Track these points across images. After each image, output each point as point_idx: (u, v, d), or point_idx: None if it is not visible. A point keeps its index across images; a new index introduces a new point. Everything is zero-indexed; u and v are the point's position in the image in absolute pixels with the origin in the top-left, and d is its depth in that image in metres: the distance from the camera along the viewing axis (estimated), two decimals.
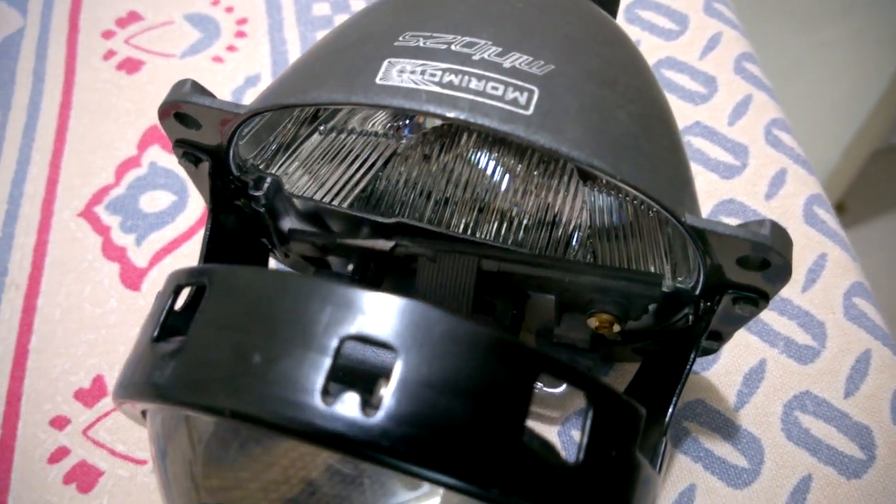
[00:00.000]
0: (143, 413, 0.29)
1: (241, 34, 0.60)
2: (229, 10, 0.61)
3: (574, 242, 0.41)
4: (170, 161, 0.53)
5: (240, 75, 0.57)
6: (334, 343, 0.21)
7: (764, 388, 0.43)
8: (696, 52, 0.56)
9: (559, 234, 0.41)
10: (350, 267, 0.42)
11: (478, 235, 0.41)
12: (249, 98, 0.56)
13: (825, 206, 0.49)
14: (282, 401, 0.21)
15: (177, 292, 0.26)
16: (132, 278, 0.48)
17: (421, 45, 0.28)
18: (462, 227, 0.42)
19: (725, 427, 0.41)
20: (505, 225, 0.41)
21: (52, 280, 0.48)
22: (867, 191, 1.31)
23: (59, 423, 0.43)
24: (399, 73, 0.27)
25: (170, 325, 0.26)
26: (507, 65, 0.28)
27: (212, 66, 0.58)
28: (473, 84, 0.27)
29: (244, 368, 0.21)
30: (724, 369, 0.43)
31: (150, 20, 0.61)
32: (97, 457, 0.42)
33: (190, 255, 0.49)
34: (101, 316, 0.47)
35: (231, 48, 0.59)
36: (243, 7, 0.61)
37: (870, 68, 1.12)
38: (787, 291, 0.45)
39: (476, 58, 0.28)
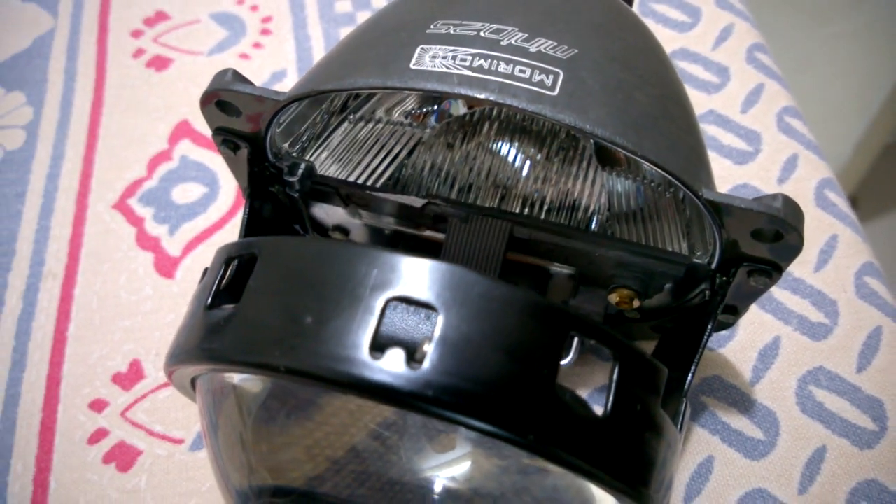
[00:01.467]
0: (192, 383, 0.30)
1: (266, 32, 0.62)
2: (254, 8, 0.63)
3: (593, 225, 0.42)
4: (200, 155, 0.55)
5: (266, 72, 0.59)
6: (380, 303, 0.23)
7: (779, 363, 0.44)
8: (709, 44, 0.58)
9: (579, 217, 0.42)
10: None
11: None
12: None
13: (836, 189, 0.51)
14: (333, 357, 0.22)
15: (227, 263, 0.28)
16: (166, 267, 0.50)
17: (452, 32, 0.30)
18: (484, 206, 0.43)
19: (742, 401, 0.43)
20: (527, 210, 0.43)
21: (88, 270, 0.50)
22: (879, 186, 1.31)
23: (98, 405, 0.45)
24: (432, 59, 0.29)
25: (220, 295, 0.27)
26: (533, 49, 0.29)
27: (238, 63, 0.60)
28: (502, 68, 0.29)
29: (297, 329, 0.23)
30: (739, 346, 0.45)
31: (178, 19, 0.63)
32: (135, 437, 0.44)
33: (221, 244, 0.50)
34: (137, 303, 0.48)
35: (257, 45, 0.61)
36: (268, 5, 0.63)
37: (881, 63, 1.13)
38: (799, 271, 0.47)
39: (504, 43, 0.29)
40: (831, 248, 0.48)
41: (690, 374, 0.32)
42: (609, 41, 0.31)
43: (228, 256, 0.28)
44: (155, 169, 0.54)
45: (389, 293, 0.23)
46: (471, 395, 0.22)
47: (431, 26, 0.30)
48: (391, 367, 0.22)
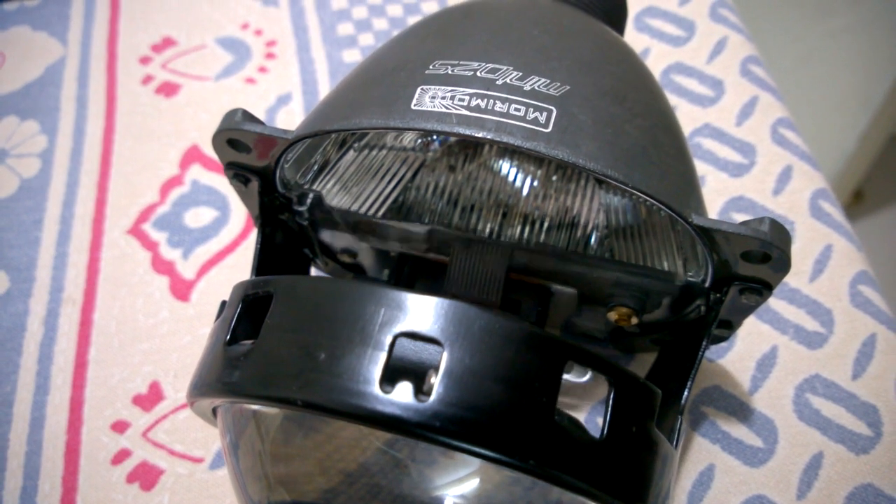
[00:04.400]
0: (214, 411, 0.32)
1: (270, 55, 0.63)
2: (258, 32, 0.65)
3: (593, 242, 0.44)
4: (210, 179, 0.56)
5: (272, 95, 0.61)
6: (389, 339, 0.25)
7: (776, 372, 0.45)
8: (704, 57, 0.59)
9: (578, 234, 0.43)
10: (385, 272, 0.45)
11: (503, 239, 0.44)
12: (282, 116, 0.59)
13: (830, 199, 0.52)
14: (346, 391, 0.24)
15: (245, 301, 0.29)
16: (181, 290, 0.51)
17: (449, 72, 0.31)
18: (488, 231, 0.44)
19: (741, 410, 0.44)
20: (528, 228, 0.44)
21: (106, 294, 0.51)
22: (885, 177, 1.32)
23: (120, 427, 0.46)
24: (431, 99, 0.31)
25: (238, 331, 0.29)
26: (527, 87, 0.31)
27: (245, 88, 0.61)
28: (498, 107, 0.30)
29: (312, 365, 0.25)
30: (737, 356, 0.46)
31: (184, 45, 0.65)
32: (157, 457, 0.45)
33: (234, 266, 0.52)
34: (154, 326, 0.50)
35: (262, 69, 0.62)
36: (271, 30, 0.65)
37: (883, 54, 1.13)
38: (795, 281, 0.48)
39: (499, 82, 0.31)
40: (826, 258, 0.49)
41: (686, 390, 0.34)
42: (599, 76, 0.33)
43: (246, 294, 0.29)
44: (167, 194, 0.56)
45: (397, 329, 0.25)
46: (475, 424, 0.24)
47: (430, 66, 0.32)
48: (401, 399, 0.24)
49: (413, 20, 0.65)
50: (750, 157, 0.54)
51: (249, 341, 0.27)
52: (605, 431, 0.26)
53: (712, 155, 0.54)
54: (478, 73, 0.31)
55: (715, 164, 0.53)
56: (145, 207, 0.55)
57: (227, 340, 0.28)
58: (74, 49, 0.65)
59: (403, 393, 0.24)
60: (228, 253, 0.53)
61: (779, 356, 0.46)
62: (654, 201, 0.30)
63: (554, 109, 0.30)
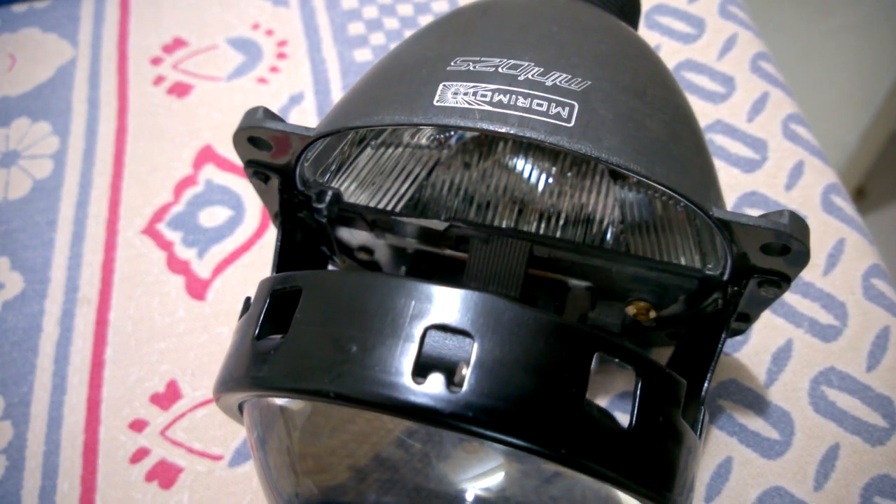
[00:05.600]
0: (240, 407, 0.32)
1: (282, 55, 0.63)
2: (269, 32, 0.65)
3: (609, 237, 0.44)
4: (224, 178, 0.57)
5: (284, 95, 0.61)
6: (419, 332, 0.25)
7: (791, 365, 0.46)
8: (714, 54, 0.60)
9: (594, 230, 0.44)
10: (402, 269, 0.45)
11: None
12: (295, 116, 0.60)
13: (842, 194, 0.52)
14: (379, 382, 0.24)
15: (273, 296, 0.30)
16: (197, 289, 0.52)
17: (471, 68, 0.32)
18: (504, 227, 0.45)
19: (757, 403, 0.45)
20: (544, 224, 0.44)
21: (121, 294, 0.52)
22: (887, 174, 1.32)
23: (138, 426, 0.47)
24: (454, 95, 0.31)
25: (266, 326, 0.29)
26: (548, 83, 0.31)
27: (257, 88, 0.62)
28: (521, 102, 0.30)
29: (344, 357, 0.25)
30: (753, 350, 0.46)
31: (195, 45, 0.65)
32: (176, 455, 0.45)
33: (249, 265, 0.52)
34: (171, 325, 0.50)
35: (274, 69, 0.63)
36: (282, 30, 0.65)
37: (885, 52, 1.14)
38: (808, 275, 0.49)
39: (521, 78, 0.31)
40: (839, 252, 0.49)
41: (707, 382, 0.34)
42: (619, 71, 0.33)
43: (273, 289, 0.30)
44: (181, 194, 0.56)
45: (428, 322, 0.25)
46: (507, 414, 0.24)
47: (452, 63, 0.32)
48: (433, 390, 0.24)
49: (423, 19, 0.65)
50: (762, 152, 0.54)
51: (278, 336, 0.28)
52: (634, 421, 0.26)
53: (724, 151, 0.54)
54: (499, 70, 0.31)
55: (727, 159, 0.54)
56: (159, 207, 0.56)
57: (256, 335, 0.29)
58: (85, 50, 0.65)
59: (435, 384, 0.24)
60: (244, 252, 0.53)
61: (794, 349, 0.46)
62: (676, 195, 0.30)
63: (576, 104, 0.30)
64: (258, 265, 0.52)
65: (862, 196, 1.36)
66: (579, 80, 0.31)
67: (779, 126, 0.55)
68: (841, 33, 1.15)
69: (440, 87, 0.31)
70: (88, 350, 0.50)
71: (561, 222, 0.44)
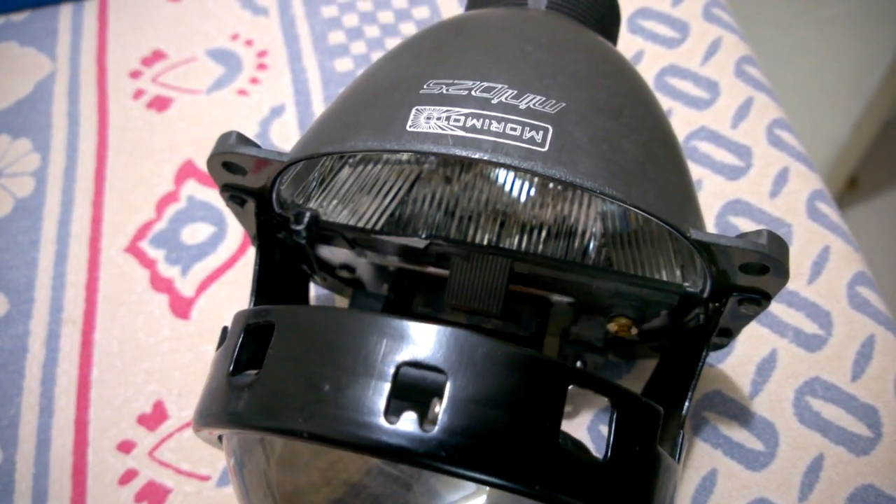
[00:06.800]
0: (220, 438, 0.32)
1: (262, 66, 0.63)
2: (249, 43, 0.64)
3: (591, 251, 0.44)
4: (206, 194, 0.56)
5: (265, 107, 0.60)
6: (392, 370, 0.25)
7: (776, 376, 0.46)
8: (698, 59, 0.59)
9: (576, 244, 0.44)
10: (384, 287, 0.45)
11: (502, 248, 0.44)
12: (276, 128, 0.59)
13: (827, 200, 0.52)
14: (352, 422, 0.24)
15: (247, 331, 0.29)
16: (181, 307, 0.51)
17: (444, 91, 0.31)
18: (486, 241, 0.45)
19: (742, 414, 0.44)
20: (526, 237, 0.44)
21: (105, 314, 0.51)
22: (879, 164, 1.32)
23: (126, 447, 0.46)
24: (427, 120, 0.31)
25: (241, 362, 0.29)
26: (522, 106, 0.31)
27: (237, 100, 0.61)
28: (494, 126, 0.30)
29: (316, 396, 0.25)
30: (737, 360, 0.46)
31: (174, 58, 0.64)
32: (164, 476, 0.45)
33: (233, 283, 0.52)
34: (155, 345, 0.50)
35: (254, 80, 0.62)
36: (262, 40, 0.64)
37: (875, 42, 1.14)
38: (793, 284, 0.48)
39: (495, 101, 0.31)
40: (823, 260, 0.49)
41: (687, 402, 0.34)
42: (594, 91, 0.33)
43: (247, 324, 0.29)
44: (163, 210, 0.56)
45: (400, 359, 0.25)
46: (480, 452, 0.24)
47: (425, 86, 0.32)
48: (406, 429, 0.24)
49: (404, 27, 0.65)
50: (746, 159, 0.54)
51: (253, 371, 0.27)
52: (609, 453, 0.26)
53: (708, 158, 0.54)
54: (472, 93, 0.31)
55: (711, 167, 0.54)
56: (142, 225, 0.55)
57: (231, 371, 0.28)
58: (63, 64, 0.64)
59: (408, 423, 0.24)
60: (227, 269, 0.53)
61: (778, 359, 0.46)
62: (653, 217, 0.30)
63: (550, 128, 0.30)
64: (242, 282, 0.52)
65: (854, 186, 1.36)
66: (553, 102, 0.31)
67: (763, 132, 0.55)
68: (832, 23, 1.15)
69: (413, 111, 0.31)
70: (75, 371, 0.49)
71: (543, 235, 0.44)
